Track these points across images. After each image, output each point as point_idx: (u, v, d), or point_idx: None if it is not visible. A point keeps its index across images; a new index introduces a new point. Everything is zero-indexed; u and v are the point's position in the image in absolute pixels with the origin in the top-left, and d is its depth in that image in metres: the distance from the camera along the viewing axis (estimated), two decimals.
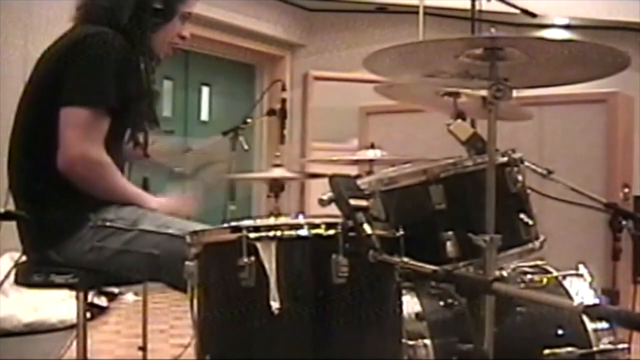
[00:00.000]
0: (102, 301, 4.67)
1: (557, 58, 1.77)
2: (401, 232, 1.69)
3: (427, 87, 2.18)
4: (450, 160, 1.90)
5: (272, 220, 1.70)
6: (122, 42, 2.01)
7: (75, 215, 2.02)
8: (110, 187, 2.04)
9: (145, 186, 3.25)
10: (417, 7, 4.49)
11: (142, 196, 2.13)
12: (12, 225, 2.08)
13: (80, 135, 1.95)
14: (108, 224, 2.01)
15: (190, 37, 2.22)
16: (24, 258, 2.10)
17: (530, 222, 1.92)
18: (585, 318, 2.00)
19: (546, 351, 1.97)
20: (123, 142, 2.16)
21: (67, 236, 2.00)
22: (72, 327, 3.64)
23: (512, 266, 2.10)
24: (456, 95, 2.18)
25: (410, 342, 1.91)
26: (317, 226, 1.59)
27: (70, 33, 2.08)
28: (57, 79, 1.98)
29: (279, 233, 1.58)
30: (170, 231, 1.98)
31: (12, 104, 2.12)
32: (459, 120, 2.04)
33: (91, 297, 4.26)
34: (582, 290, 2.10)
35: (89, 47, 1.98)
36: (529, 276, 2.12)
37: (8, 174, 2.09)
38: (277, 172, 2.83)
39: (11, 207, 2.09)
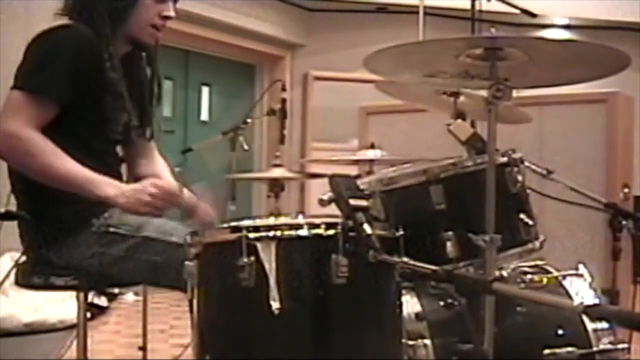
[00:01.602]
0: (102, 301, 4.67)
1: (557, 58, 1.77)
2: (401, 232, 1.69)
3: (427, 86, 2.18)
4: (450, 160, 1.90)
5: (272, 220, 1.70)
6: (87, 35, 1.98)
7: (77, 219, 2.00)
8: (45, 168, 1.92)
9: None
10: (417, 7, 4.50)
11: (94, 182, 1.94)
12: (12, 225, 2.08)
13: (11, 115, 1.92)
14: (112, 229, 2.00)
15: (174, 14, 2.11)
16: (24, 258, 2.10)
17: (530, 222, 1.92)
18: (585, 318, 2.00)
19: (546, 351, 1.97)
20: (106, 151, 2.14)
21: (67, 239, 1.99)
22: (72, 327, 3.65)
23: (512, 266, 2.10)
24: (456, 95, 2.18)
25: (410, 342, 1.91)
26: (317, 226, 1.59)
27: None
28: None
29: (279, 233, 1.58)
30: (173, 239, 1.95)
31: None
32: (459, 120, 2.04)
33: (91, 297, 4.26)
34: (582, 290, 2.10)
35: (45, 40, 1.98)
36: (529, 276, 2.12)
37: (9, 176, 2.08)
38: (277, 172, 2.83)
39: (11, 207, 2.09)
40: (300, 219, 1.65)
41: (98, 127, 2.09)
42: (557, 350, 1.97)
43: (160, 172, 2.29)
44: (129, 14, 2.07)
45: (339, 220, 1.56)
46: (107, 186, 1.96)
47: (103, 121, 2.09)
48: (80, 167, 1.94)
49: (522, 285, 2.07)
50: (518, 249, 1.91)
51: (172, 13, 2.14)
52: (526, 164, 2.02)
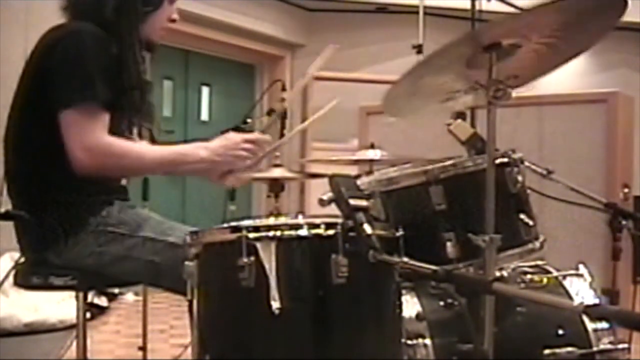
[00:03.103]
0: (102, 301, 4.67)
1: (548, 30, 1.73)
2: (401, 232, 1.69)
3: (447, 112, 2.16)
4: (450, 161, 1.90)
5: (272, 220, 1.70)
6: (101, 36, 1.98)
7: (75, 218, 2.00)
8: (136, 165, 2.01)
9: (145, 186, 3.26)
10: (417, 7, 4.50)
11: (184, 152, 2.04)
12: (13, 225, 2.08)
13: (77, 132, 1.93)
14: (110, 229, 2.00)
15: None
16: (23, 259, 2.10)
17: (530, 222, 1.92)
18: (585, 318, 2.00)
19: (546, 351, 1.97)
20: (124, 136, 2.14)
21: (66, 239, 1.99)
22: (72, 327, 3.65)
23: (512, 266, 2.10)
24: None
25: (410, 342, 1.91)
26: (317, 226, 1.59)
27: (55, 30, 2.04)
28: (43, 82, 1.96)
29: (278, 233, 1.58)
30: (171, 239, 1.96)
31: None
32: (459, 120, 2.04)
33: (91, 297, 4.26)
34: (582, 290, 2.10)
35: (71, 46, 1.96)
36: (529, 276, 2.12)
37: (5, 178, 2.07)
38: (277, 172, 2.83)
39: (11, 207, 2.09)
40: (300, 219, 1.65)
41: (120, 128, 2.09)
42: (557, 350, 1.97)
43: None
44: (148, 17, 2.10)
45: (339, 220, 1.56)
46: (197, 150, 2.04)
47: (124, 123, 2.11)
48: (160, 147, 2.03)
49: (522, 285, 2.07)
50: (518, 249, 1.91)
51: (176, 16, 2.19)
52: (526, 164, 2.02)
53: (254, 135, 2.13)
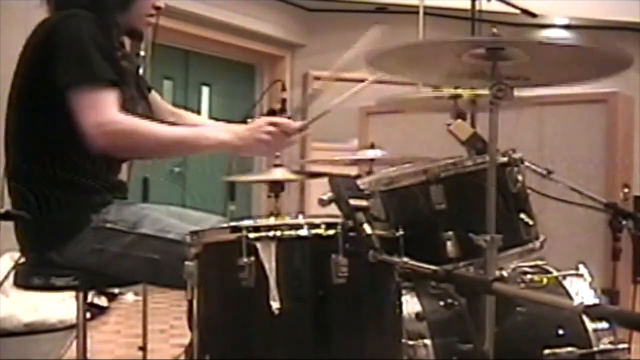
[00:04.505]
0: (102, 301, 4.67)
1: (559, 59, 1.77)
2: (401, 232, 1.69)
3: (428, 94, 2.17)
4: (450, 160, 1.90)
5: (272, 220, 1.70)
6: (94, 18, 1.97)
7: (77, 217, 2.00)
8: (152, 142, 1.95)
9: (145, 186, 3.26)
10: (417, 7, 4.49)
11: (205, 133, 2.02)
12: (12, 225, 2.08)
13: (87, 112, 1.90)
14: (108, 225, 2.00)
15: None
16: (23, 259, 2.10)
17: (530, 222, 1.92)
18: (585, 318, 2.00)
19: (546, 351, 1.97)
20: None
21: (68, 237, 1.98)
22: (72, 327, 3.65)
23: (512, 266, 2.10)
24: (456, 97, 2.18)
25: (410, 342, 1.91)
26: (317, 226, 1.59)
27: (43, 23, 2.03)
28: (43, 70, 1.95)
29: (279, 233, 1.58)
30: (170, 236, 1.95)
31: None
32: (459, 120, 2.04)
33: (91, 297, 4.26)
34: (582, 290, 2.10)
35: (65, 30, 1.95)
36: (529, 276, 2.12)
37: (6, 177, 2.07)
38: (277, 173, 2.83)
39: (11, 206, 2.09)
40: (300, 219, 1.64)
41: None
42: (557, 350, 1.97)
43: None
44: (131, 4, 2.09)
45: (339, 220, 1.56)
46: (219, 132, 2.02)
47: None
48: (178, 127, 1.99)
49: (522, 285, 2.07)
50: (518, 249, 1.91)
51: (162, 4, 2.17)
52: (526, 164, 2.02)
53: (278, 119, 2.10)
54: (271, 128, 2.03)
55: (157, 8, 2.17)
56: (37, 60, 1.98)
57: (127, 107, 1.99)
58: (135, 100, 2.10)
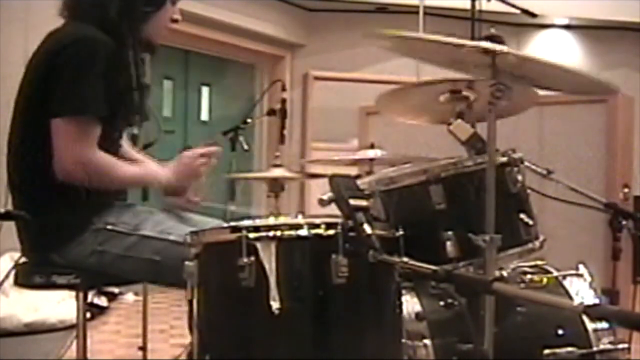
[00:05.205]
0: (102, 301, 4.67)
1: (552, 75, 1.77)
2: (401, 232, 1.69)
3: (427, 95, 2.17)
4: (450, 160, 1.90)
5: (272, 220, 1.70)
6: (108, 41, 1.97)
7: (79, 219, 2.00)
8: (116, 182, 2.07)
9: (144, 191, 3.26)
10: (417, 7, 4.50)
11: (156, 174, 2.15)
12: (12, 225, 2.08)
13: (71, 145, 1.94)
14: (109, 227, 2.00)
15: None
16: (24, 259, 2.10)
17: (530, 222, 1.92)
18: (585, 318, 2.00)
19: (546, 351, 1.97)
20: (117, 138, 2.15)
21: (70, 239, 1.99)
22: (72, 327, 3.64)
23: (512, 266, 2.10)
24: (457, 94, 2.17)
25: (410, 342, 1.91)
26: (317, 226, 1.59)
27: (57, 33, 2.04)
28: (46, 86, 1.96)
29: (279, 233, 1.58)
30: (171, 237, 1.96)
31: (12, 104, 2.12)
32: (459, 120, 2.04)
33: (91, 297, 4.25)
34: (582, 290, 2.10)
35: (75, 55, 1.95)
36: (529, 276, 2.12)
37: (8, 179, 2.07)
38: (277, 172, 2.83)
39: (11, 207, 2.09)
40: (300, 219, 1.65)
41: (114, 131, 2.12)
42: (557, 350, 1.97)
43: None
44: (150, 17, 2.09)
45: (339, 220, 1.56)
46: (163, 172, 2.15)
47: (120, 120, 2.12)
48: (136, 167, 2.14)
49: (522, 285, 2.07)
50: (518, 249, 1.91)
51: (179, 16, 2.19)
52: (526, 164, 2.02)
53: (206, 149, 2.21)
54: (203, 159, 2.18)
55: (174, 21, 2.18)
56: (42, 76, 1.98)
57: (113, 137, 2.10)
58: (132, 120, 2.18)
